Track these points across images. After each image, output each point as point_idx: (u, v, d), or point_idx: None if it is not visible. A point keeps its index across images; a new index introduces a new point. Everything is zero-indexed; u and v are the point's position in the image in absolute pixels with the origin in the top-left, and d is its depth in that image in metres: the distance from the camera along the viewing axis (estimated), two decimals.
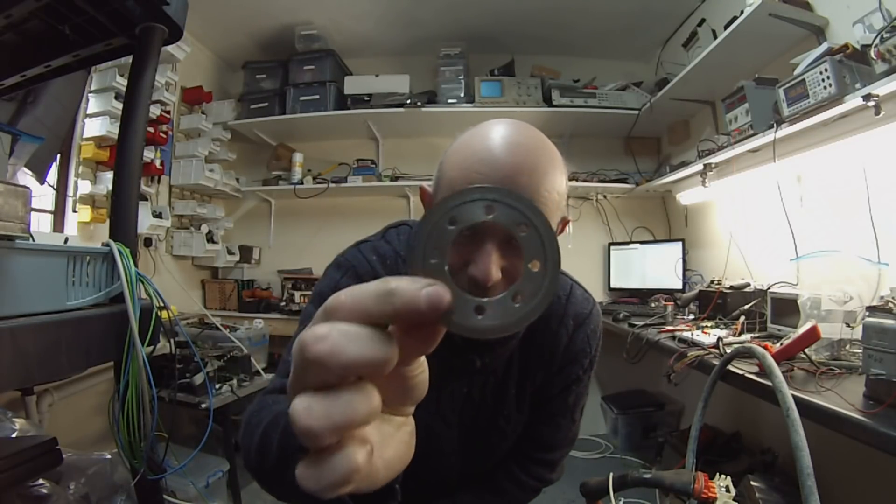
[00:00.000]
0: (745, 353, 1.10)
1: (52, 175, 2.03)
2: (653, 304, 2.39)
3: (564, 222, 0.67)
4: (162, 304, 1.06)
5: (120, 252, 1.00)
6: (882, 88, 1.18)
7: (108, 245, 1.01)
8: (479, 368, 0.73)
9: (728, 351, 1.20)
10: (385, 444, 0.27)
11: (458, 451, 0.80)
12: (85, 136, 2.04)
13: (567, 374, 0.78)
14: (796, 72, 1.43)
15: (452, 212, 0.26)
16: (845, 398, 0.89)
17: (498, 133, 0.60)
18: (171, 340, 1.25)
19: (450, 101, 2.74)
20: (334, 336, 0.21)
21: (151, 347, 1.02)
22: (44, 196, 2.03)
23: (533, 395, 0.79)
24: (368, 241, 0.78)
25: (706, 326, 1.63)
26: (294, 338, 0.72)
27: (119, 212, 1.08)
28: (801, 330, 1.12)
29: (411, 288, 0.22)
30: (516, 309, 0.26)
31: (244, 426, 0.60)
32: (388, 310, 0.22)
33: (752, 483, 1.34)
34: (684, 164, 2.31)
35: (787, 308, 1.40)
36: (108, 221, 1.26)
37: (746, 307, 1.59)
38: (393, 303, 0.22)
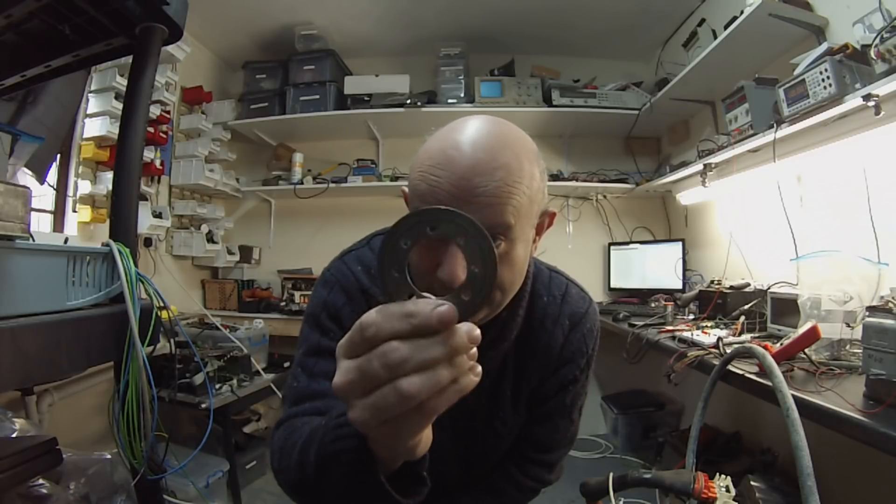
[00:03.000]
0: (745, 353, 1.10)
1: (52, 175, 2.03)
2: (653, 304, 2.39)
3: (551, 217, 0.66)
4: (162, 304, 1.06)
5: (120, 252, 1.00)
6: (882, 88, 1.18)
7: (108, 245, 1.01)
8: None
9: (728, 351, 1.20)
10: None
11: (456, 453, 0.80)
12: (85, 136, 2.04)
13: (564, 375, 0.78)
14: (796, 72, 1.43)
15: (404, 234, 0.34)
16: (845, 398, 0.89)
17: (457, 133, 0.59)
18: (171, 340, 1.25)
19: (450, 101, 2.75)
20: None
21: (151, 347, 1.02)
22: (44, 196, 2.03)
23: (529, 396, 0.79)
24: (353, 250, 0.77)
25: (706, 326, 1.63)
26: (296, 362, 0.73)
27: (119, 212, 1.08)
28: (801, 330, 1.12)
29: (425, 310, 0.31)
30: (465, 301, 0.34)
31: (279, 451, 0.61)
32: (408, 327, 0.31)
33: (752, 483, 1.34)
34: (684, 164, 2.31)
35: (787, 308, 1.40)
36: (108, 221, 1.26)
37: (746, 307, 1.59)
38: (412, 322, 0.31)
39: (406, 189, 0.68)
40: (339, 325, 0.71)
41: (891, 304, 0.91)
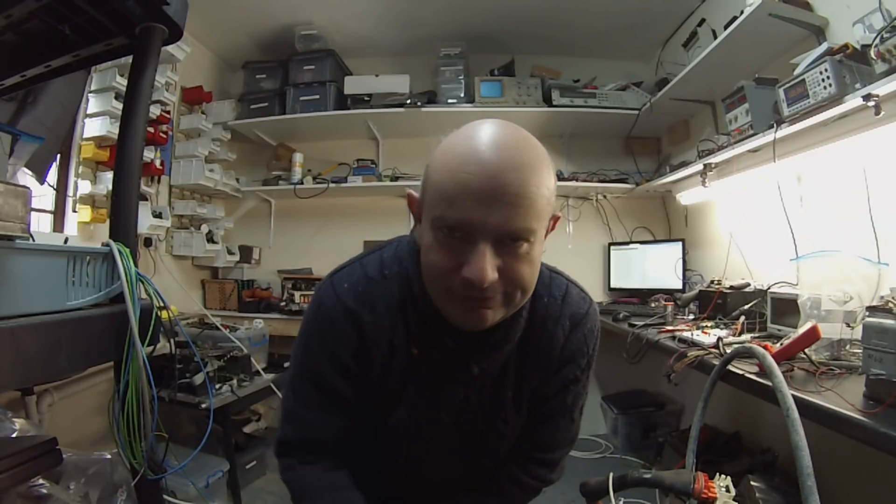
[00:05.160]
0: (745, 353, 1.10)
1: (52, 175, 2.03)
2: (653, 304, 2.39)
3: (555, 219, 0.67)
4: (162, 304, 1.06)
5: (120, 252, 1.00)
6: (882, 88, 1.18)
7: (108, 245, 1.01)
8: (477, 374, 0.73)
9: (728, 351, 1.20)
10: None
11: (458, 454, 0.80)
12: (85, 136, 2.04)
13: (564, 375, 0.78)
14: (796, 72, 1.43)
15: None
16: (845, 398, 0.89)
17: (483, 133, 0.59)
18: (171, 340, 1.25)
19: (450, 101, 2.75)
20: None
21: (151, 347, 1.02)
22: (44, 196, 2.02)
23: (531, 396, 0.79)
24: (344, 268, 0.77)
25: (706, 326, 1.62)
26: (288, 378, 0.77)
27: (119, 212, 1.08)
28: (801, 330, 1.12)
29: None
30: None
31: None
32: None
33: (752, 483, 1.34)
34: (684, 164, 2.31)
35: (787, 308, 1.40)
36: (108, 221, 1.26)
37: (746, 307, 1.59)
38: None
39: (413, 193, 0.68)
40: (324, 350, 0.73)
41: (891, 304, 0.91)
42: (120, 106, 1.36)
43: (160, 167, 2.38)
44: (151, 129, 2.19)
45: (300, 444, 0.76)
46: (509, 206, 0.56)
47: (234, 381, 2.10)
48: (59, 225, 2.07)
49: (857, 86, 1.27)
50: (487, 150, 0.57)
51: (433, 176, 0.61)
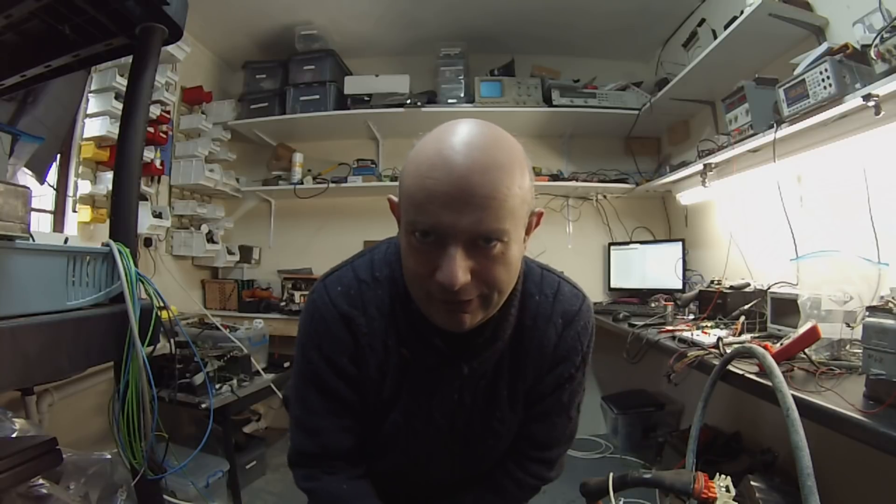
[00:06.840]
0: (745, 353, 1.10)
1: (52, 175, 2.03)
2: (653, 304, 2.39)
3: (538, 216, 0.67)
4: (162, 304, 1.06)
5: (120, 252, 1.00)
6: (882, 88, 1.18)
7: (108, 245, 1.01)
8: (468, 374, 0.73)
9: (728, 351, 1.20)
10: None
11: (456, 455, 0.80)
12: (85, 136, 2.04)
13: (559, 373, 0.78)
14: (796, 72, 1.43)
15: None
16: (845, 398, 0.89)
17: (451, 135, 0.59)
18: (171, 340, 1.25)
19: (450, 101, 2.74)
20: None
21: (151, 347, 1.02)
22: (44, 196, 2.03)
23: (526, 394, 0.79)
24: (337, 270, 0.78)
25: (706, 326, 1.62)
26: (293, 385, 0.78)
27: (119, 212, 1.08)
28: (801, 330, 1.12)
29: None
30: None
31: None
32: None
33: (752, 483, 1.34)
34: (684, 164, 2.31)
35: (787, 308, 1.40)
36: (108, 221, 1.26)
37: (746, 307, 1.59)
38: None
39: (393, 197, 0.68)
40: (321, 355, 0.73)
41: (891, 304, 0.91)
42: (120, 106, 1.36)
43: (160, 167, 2.38)
44: (151, 129, 2.19)
45: (320, 455, 0.76)
46: (478, 209, 0.56)
47: (234, 381, 2.10)
48: (59, 225, 2.07)
49: (857, 86, 1.27)
50: (454, 153, 0.56)
51: (404, 181, 0.61)
